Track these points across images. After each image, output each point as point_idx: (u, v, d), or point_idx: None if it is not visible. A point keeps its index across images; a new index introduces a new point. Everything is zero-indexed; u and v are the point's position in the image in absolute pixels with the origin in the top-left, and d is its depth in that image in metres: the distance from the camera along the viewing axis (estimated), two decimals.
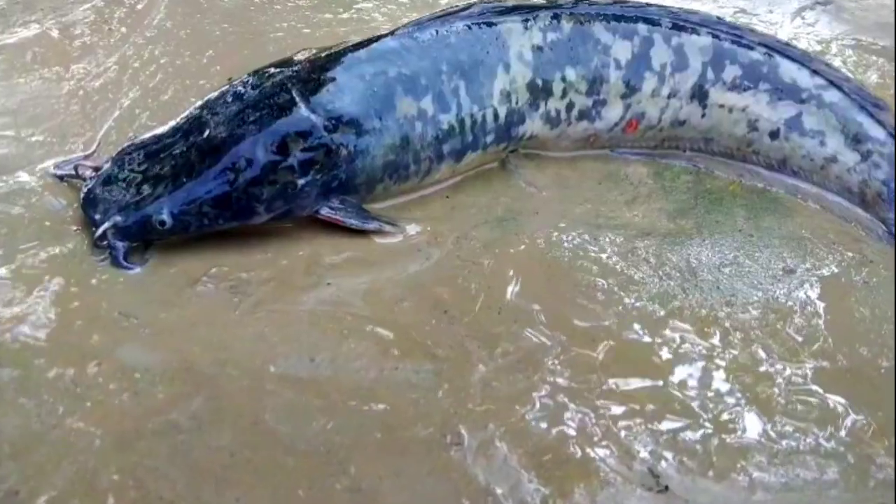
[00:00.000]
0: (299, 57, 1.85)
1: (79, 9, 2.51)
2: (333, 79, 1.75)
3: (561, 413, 1.45)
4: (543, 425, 1.43)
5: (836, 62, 2.63)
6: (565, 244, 1.83)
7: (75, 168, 1.76)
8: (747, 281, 1.76)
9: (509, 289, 1.71)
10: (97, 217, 1.68)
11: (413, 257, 1.78)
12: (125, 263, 1.66)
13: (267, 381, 1.47)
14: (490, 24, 1.88)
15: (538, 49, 1.91)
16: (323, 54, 1.81)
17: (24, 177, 1.84)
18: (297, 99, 1.72)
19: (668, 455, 1.40)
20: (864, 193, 1.98)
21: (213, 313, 1.61)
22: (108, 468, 1.29)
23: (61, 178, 1.80)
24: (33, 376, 1.43)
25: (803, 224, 1.94)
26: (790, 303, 1.71)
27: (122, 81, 2.21)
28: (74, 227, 1.72)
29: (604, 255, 1.82)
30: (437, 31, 1.84)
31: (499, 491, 1.32)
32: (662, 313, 1.67)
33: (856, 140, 1.99)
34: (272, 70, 1.80)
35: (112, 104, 2.13)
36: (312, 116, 1.71)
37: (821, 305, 1.72)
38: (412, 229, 1.85)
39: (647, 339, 1.62)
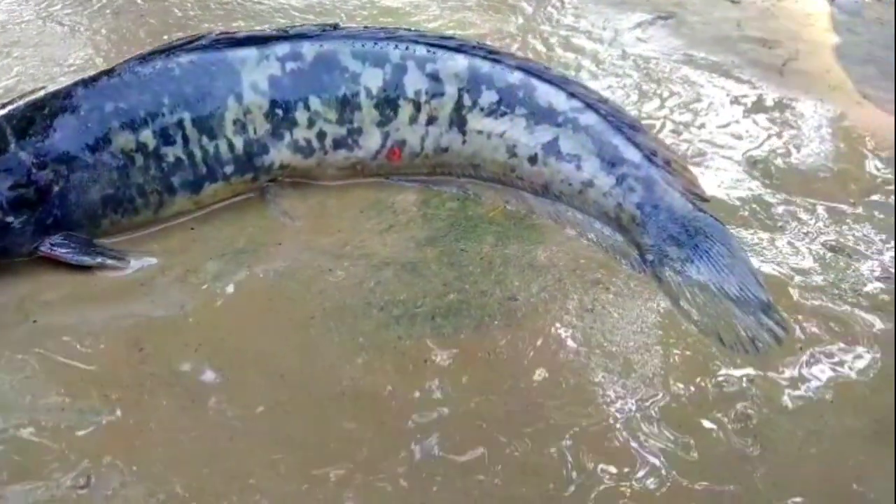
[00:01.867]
0: (23, 95, 1.84)
1: None
2: (46, 116, 1.76)
3: (210, 456, 1.42)
4: (187, 471, 1.40)
5: (659, 78, 2.59)
6: (296, 276, 1.82)
7: None
8: (464, 312, 1.72)
9: (219, 324, 1.69)
10: None
11: (132, 293, 1.77)
12: None
13: None
14: (220, 56, 1.86)
15: (275, 79, 1.89)
16: (43, 92, 1.80)
17: None
18: (8, 136, 1.73)
19: None
20: (620, 217, 1.95)
21: None
22: None
23: None
24: None
25: (551, 251, 1.91)
26: (498, 332, 1.67)
27: None
28: None
29: (331, 288, 1.80)
30: (159, 65, 1.82)
31: None
32: (368, 347, 1.65)
33: (611, 163, 1.95)
34: None
35: None
36: (21, 154, 1.72)
37: (532, 333, 1.67)
38: (142, 263, 1.83)
39: (352, 373, 1.59)
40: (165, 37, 2.59)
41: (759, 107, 2.51)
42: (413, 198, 2.08)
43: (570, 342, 1.66)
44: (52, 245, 1.77)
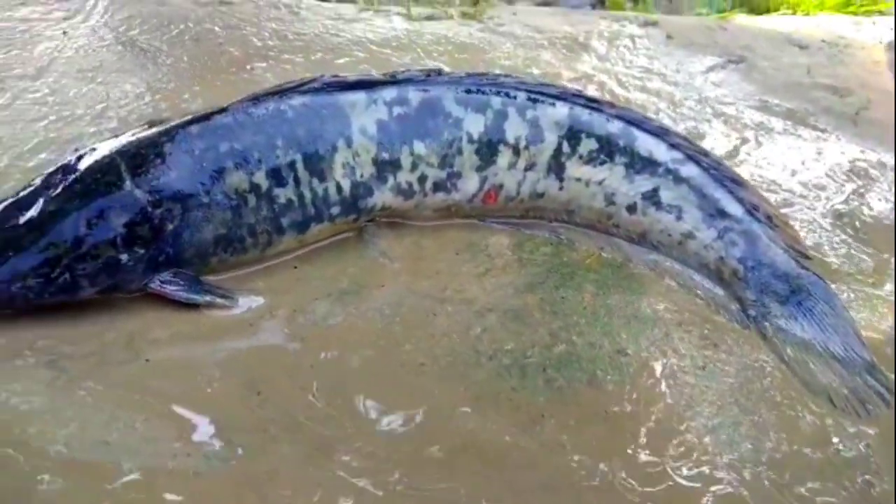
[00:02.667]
0: (135, 131, 1.84)
1: None
2: (161, 154, 1.76)
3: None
4: None
5: (737, 124, 2.60)
6: (402, 320, 1.81)
7: None
8: (575, 364, 1.72)
9: (332, 368, 1.69)
10: None
11: (241, 332, 1.76)
12: None
13: (48, 462, 1.45)
14: (331, 99, 1.87)
15: (383, 123, 1.90)
16: (156, 129, 1.80)
17: None
18: (124, 174, 1.73)
19: None
20: (721, 271, 1.95)
21: (26, 390, 1.59)
22: None
23: None
24: None
25: (653, 302, 1.91)
26: (612, 387, 1.67)
27: None
28: None
29: (438, 334, 1.79)
30: (272, 106, 1.83)
31: None
32: (483, 398, 1.65)
33: (712, 216, 1.96)
34: (106, 144, 1.80)
35: None
36: (137, 192, 1.72)
37: (646, 391, 1.67)
38: (249, 302, 1.83)
39: (469, 425, 1.59)
40: (248, 66, 2.59)
41: (837, 157, 2.52)
42: (506, 241, 2.08)
43: (686, 402, 1.66)
44: (161, 282, 1.77)
